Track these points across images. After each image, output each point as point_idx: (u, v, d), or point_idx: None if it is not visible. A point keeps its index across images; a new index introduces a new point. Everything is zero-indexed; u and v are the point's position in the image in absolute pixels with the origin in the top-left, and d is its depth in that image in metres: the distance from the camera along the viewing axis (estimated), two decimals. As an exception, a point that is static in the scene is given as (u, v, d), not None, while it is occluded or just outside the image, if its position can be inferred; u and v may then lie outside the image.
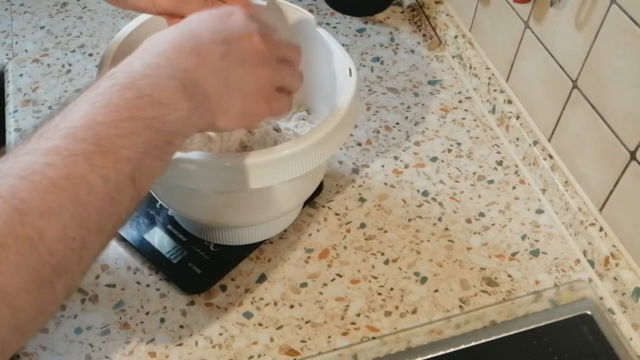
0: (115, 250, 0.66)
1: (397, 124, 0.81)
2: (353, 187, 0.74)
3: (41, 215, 0.34)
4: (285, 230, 0.68)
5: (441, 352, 0.61)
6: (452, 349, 0.61)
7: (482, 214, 0.71)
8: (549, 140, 0.74)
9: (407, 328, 0.62)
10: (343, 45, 0.69)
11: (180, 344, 0.60)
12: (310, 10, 0.91)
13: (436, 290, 0.65)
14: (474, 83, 0.85)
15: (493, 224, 0.71)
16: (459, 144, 0.79)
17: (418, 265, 0.67)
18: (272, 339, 0.61)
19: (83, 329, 0.61)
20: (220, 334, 0.61)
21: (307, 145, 0.54)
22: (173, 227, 0.67)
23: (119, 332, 0.61)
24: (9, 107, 0.81)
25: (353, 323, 0.62)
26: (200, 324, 0.61)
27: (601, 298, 0.65)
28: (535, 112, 0.76)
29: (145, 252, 0.65)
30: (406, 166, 0.76)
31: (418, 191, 0.73)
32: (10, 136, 0.77)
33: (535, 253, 0.68)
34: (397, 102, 0.83)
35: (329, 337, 0.61)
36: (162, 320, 0.62)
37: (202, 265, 0.64)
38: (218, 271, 0.64)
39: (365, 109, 0.82)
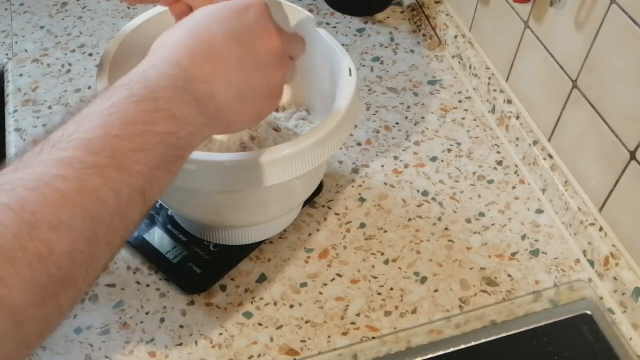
0: (115, 250, 0.66)
1: (397, 124, 0.81)
2: (353, 187, 0.74)
3: (52, 229, 0.33)
4: (285, 230, 0.68)
5: (441, 352, 0.61)
6: (452, 349, 0.61)
7: (482, 214, 0.71)
8: (549, 140, 0.74)
9: (407, 328, 0.62)
10: (343, 45, 0.69)
11: (180, 344, 0.60)
12: (310, 10, 0.91)
13: (436, 290, 0.65)
14: (474, 83, 0.85)
15: (493, 224, 0.71)
16: (459, 144, 0.79)
17: (418, 265, 0.67)
18: (272, 339, 0.61)
19: (83, 329, 0.61)
20: (220, 334, 0.61)
21: (307, 145, 0.54)
22: (173, 227, 0.67)
23: (119, 332, 0.61)
24: (9, 107, 0.81)
25: (353, 323, 0.62)
26: (200, 324, 0.61)
27: (601, 298, 0.65)
28: (535, 112, 0.76)
29: (145, 252, 0.65)
30: (406, 166, 0.76)
31: (418, 191, 0.73)
32: (10, 136, 0.77)
33: (535, 253, 0.68)
34: (397, 102, 0.83)
35: (329, 337, 0.61)
36: (162, 320, 0.62)
37: (202, 265, 0.64)
38: (218, 271, 0.64)
39: (365, 109, 0.82)
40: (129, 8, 0.95)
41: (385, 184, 0.74)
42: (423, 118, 0.82)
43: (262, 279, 0.65)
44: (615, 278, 0.64)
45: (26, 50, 0.88)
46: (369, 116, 0.81)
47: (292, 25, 0.66)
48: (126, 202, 0.37)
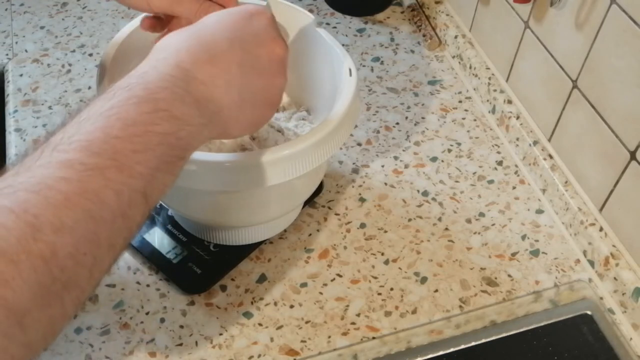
0: (115, 250, 0.66)
1: (397, 124, 0.81)
2: (353, 187, 0.74)
3: (54, 231, 0.33)
4: (285, 230, 0.68)
5: (441, 352, 0.61)
6: (452, 349, 0.61)
7: (482, 214, 0.71)
8: (549, 140, 0.74)
9: (407, 328, 0.62)
10: (343, 45, 0.69)
11: (180, 344, 0.60)
12: (310, 10, 0.91)
13: (436, 290, 0.65)
14: (474, 83, 0.85)
15: (493, 224, 0.71)
16: (459, 144, 0.79)
17: (418, 265, 0.67)
18: (272, 339, 0.61)
19: (83, 329, 0.61)
20: (220, 334, 0.61)
21: (307, 145, 0.54)
22: (173, 227, 0.67)
23: (119, 332, 0.61)
24: (9, 107, 0.81)
25: (353, 323, 0.62)
26: (200, 324, 0.61)
27: (601, 298, 0.65)
28: (535, 112, 0.76)
29: (145, 252, 0.65)
30: (406, 166, 0.76)
31: (418, 191, 0.73)
32: (10, 136, 0.77)
33: (535, 253, 0.68)
34: (397, 102, 0.83)
35: (329, 337, 0.61)
36: (162, 320, 0.62)
37: (202, 265, 0.64)
38: (218, 271, 0.64)
39: (365, 109, 0.82)
40: (128, 8, 0.95)
41: (385, 184, 0.74)
42: (423, 118, 0.82)
43: (262, 279, 0.65)
44: (615, 278, 0.64)
45: (26, 50, 0.88)
46: (369, 116, 0.81)
47: (292, 25, 0.66)
48: (127, 202, 0.37)
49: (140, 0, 0.53)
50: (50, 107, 0.81)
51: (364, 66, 0.88)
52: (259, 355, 0.60)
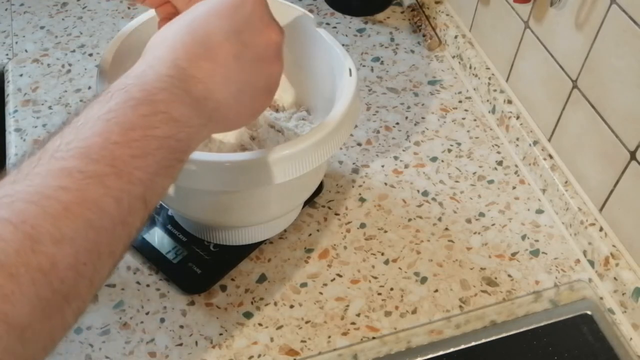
0: (115, 250, 0.66)
1: (397, 124, 0.81)
2: (353, 187, 0.74)
3: (54, 242, 0.33)
4: (285, 230, 0.68)
5: (441, 352, 0.61)
6: (452, 349, 0.61)
7: (482, 214, 0.71)
8: (549, 140, 0.74)
9: (407, 328, 0.62)
10: (343, 45, 0.69)
11: (180, 344, 0.60)
12: (310, 10, 0.91)
13: (436, 290, 0.65)
14: (474, 83, 0.85)
15: (493, 224, 0.71)
16: (459, 144, 0.79)
17: (418, 265, 0.67)
18: (272, 339, 0.61)
19: (83, 329, 0.61)
20: (220, 334, 0.61)
21: (307, 145, 0.54)
22: (173, 227, 0.67)
23: (119, 332, 0.61)
24: (9, 107, 0.81)
25: (353, 323, 0.62)
26: (200, 324, 0.61)
27: (601, 298, 0.65)
28: (535, 112, 0.76)
29: (145, 252, 0.65)
30: (406, 166, 0.76)
31: (418, 191, 0.73)
32: (10, 136, 0.77)
33: (535, 253, 0.68)
34: (397, 102, 0.83)
35: (329, 337, 0.61)
36: (162, 320, 0.62)
37: (202, 265, 0.64)
38: (218, 271, 0.64)
39: (365, 109, 0.82)
40: (129, 8, 0.95)
41: (385, 184, 0.74)
42: (423, 118, 0.82)
43: (262, 279, 0.65)
44: (615, 278, 0.64)
45: (26, 50, 0.88)
46: (369, 116, 0.81)
47: (292, 25, 0.66)
48: (127, 209, 0.36)
49: None
50: (50, 107, 0.80)
51: (364, 66, 0.88)
52: (259, 355, 0.60)
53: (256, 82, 0.46)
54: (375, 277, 0.66)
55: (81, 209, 0.34)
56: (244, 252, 0.66)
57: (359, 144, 0.78)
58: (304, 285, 0.65)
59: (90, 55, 0.88)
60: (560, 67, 0.69)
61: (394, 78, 0.87)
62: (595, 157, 0.67)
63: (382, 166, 0.76)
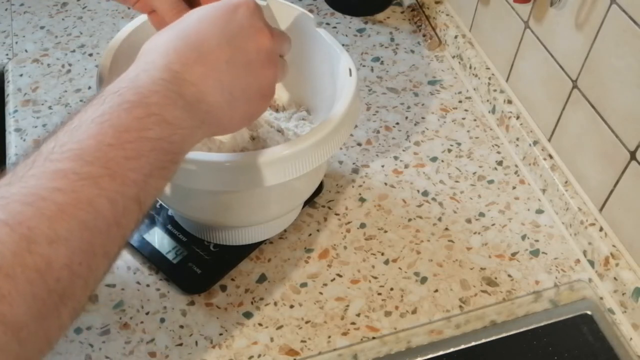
0: (115, 250, 0.66)
1: (397, 124, 0.81)
2: (353, 187, 0.74)
3: (49, 243, 0.33)
4: (285, 230, 0.68)
5: (441, 352, 0.61)
6: (452, 349, 0.61)
7: (482, 214, 0.71)
8: (549, 140, 0.74)
9: (407, 328, 0.62)
10: (343, 45, 0.69)
11: (180, 344, 0.60)
12: (310, 10, 0.91)
13: (436, 290, 0.65)
14: (474, 83, 0.85)
15: (493, 224, 0.71)
16: (459, 144, 0.79)
17: (418, 265, 0.67)
18: (272, 339, 0.61)
19: (83, 329, 0.61)
20: (220, 334, 0.61)
21: (307, 145, 0.54)
22: (173, 227, 0.67)
23: (119, 332, 0.61)
24: (9, 107, 0.81)
25: (353, 323, 0.62)
26: (200, 324, 0.61)
27: (601, 298, 0.65)
28: (535, 112, 0.76)
29: (145, 252, 0.65)
30: (406, 166, 0.76)
31: (418, 191, 0.73)
32: (10, 136, 0.77)
33: (535, 253, 0.68)
34: (397, 102, 0.83)
35: (329, 337, 0.61)
36: (162, 320, 0.62)
37: (202, 265, 0.64)
38: (218, 271, 0.64)
39: (365, 109, 0.82)
40: (128, 8, 0.95)
41: (385, 184, 0.74)
42: (423, 118, 0.82)
43: (262, 279, 0.65)
44: (615, 278, 0.64)
45: (26, 50, 0.88)
46: (369, 116, 0.81)
47: (292, 25, 0.66)
48: (122, 211, 0.37)
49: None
50: (50, 107, 0.80)
51: (364, 66, 0.88)
52: (259, 355, 0.60)
53: (249, 86, 0.46)
54: (375, 277, 0.66)
55: (76, 210, 0.34)
56: (244, 252, 0.66)
57: (359, 144, 0.78)
58: (304, 285, 0.65)
59: (90, 55, 0.88)
60: (560, 67, 0.69)
61: (394, 78, 0.87)
62: (595, 157, 0.67)
63: (382, 166, 0.76)
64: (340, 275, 0.66)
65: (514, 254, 0.68)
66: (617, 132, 0.63)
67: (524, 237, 0.70)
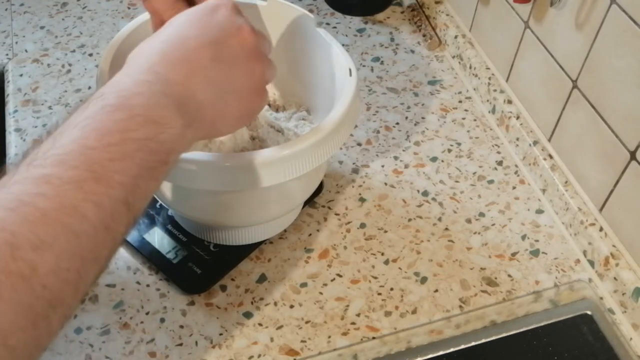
0: (115, 250, 0.66)
1: (397, 124, 0.81)
2: (353, 187, 0.74)
3: (33, 248, 0.33)
4: (285, 230, 0.68)
5: (441, 352, 0.61)
6: (452, 349, 0.61)
7: (482, 214, 0.71)
8: (549, 140, 0.74)
9: (407, 328, 0.62)
10: (343, 45, 0.69)
11: (180, 344, 0.60)
12: (310, 10, 0.92)
13: (436, 290, 0.65)
14: (474, 83, 0.85)
15: (493, 224, 0.71)
16: (459, 144, 0.79)
17: (418, 265, 0.67)
18: (272, 339, 0.61)
19: (83, 329, 0.61)
20: (220, 334, 0.61)
21: (307, 145, 0.54)
22: (173, 227, 0.67)
23: (119, 332, 0.61)
24: (9, 107, 0.81)
25: (353, 323, 0.62)
26: (200, 324, 0.61)
27: (601, 298, 0.65)
28: (535, 112, 0.76)
29: (145, 252, 0.65)
30: (406, 166, 0.76)
31: (418, 191, 0.73)
32: (10, 136, 0.77)
33: (535, 253, 0.68)
34: (397, 102, 0.83)
35: (329, 337, 0.61)
36: (162, 320, 0.62)
37: (202, 265, 0.64)
38: (218, 271, 0.64)
39: (365, 109, 0.82)
40: (129, 8, 0.95)
41: (385, 184, 0.74)
42: (423, 118, 0.82)
43: (262, 279, 0.65)
44: (615, 278, 0.64)
45: (26, 50, 0.88)
46: (369, 116, 0.81)
47: (292, 25, 0.66)
48: (109, 214, 0.36)
49: None
50: (50, 107, 0.81)
51: (364, 66, 0.88)
52: (259, 355, 0.60)
53: (240, 83, 0.46)
54: (375, 277, 0.66)
55: (60, 214, 0.34)
56: (244, 252, 0.66)
57: (359, 144, 0.78)
58: (304, 285, 0.65)
59: (90, 55, 0.88)
60: (560, 67, 0.69)
61: (394, 78, 0.87)
62: (595, 157, 0.67)
63: (382, 166, 0.76)
64: (340, 275, 0.66)
65: (514, 254, 0.68)
66: (617, 132, 0.63)
67: (524, 237, 0.70)
